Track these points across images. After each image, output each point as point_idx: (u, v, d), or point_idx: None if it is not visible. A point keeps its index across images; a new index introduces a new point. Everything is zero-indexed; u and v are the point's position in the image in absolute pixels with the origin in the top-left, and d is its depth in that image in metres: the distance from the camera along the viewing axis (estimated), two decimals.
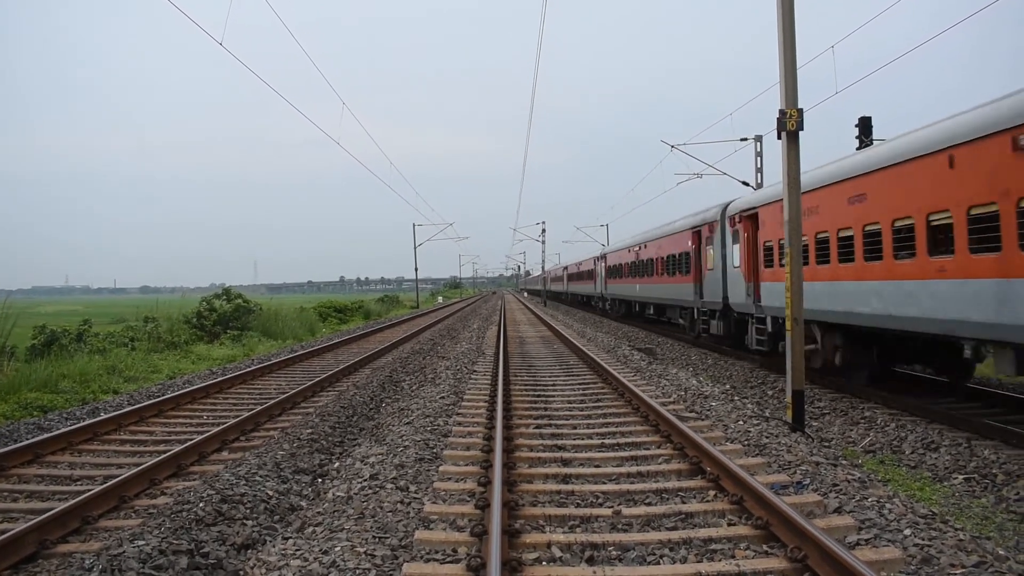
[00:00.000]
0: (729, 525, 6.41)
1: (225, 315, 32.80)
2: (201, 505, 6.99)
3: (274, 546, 6.27)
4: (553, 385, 14.73)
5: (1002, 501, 8.34)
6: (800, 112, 11.02)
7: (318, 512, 7.19)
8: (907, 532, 6.11)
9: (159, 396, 14.39)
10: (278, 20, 18.08)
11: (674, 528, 6.39)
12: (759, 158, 28.60)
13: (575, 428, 10.67)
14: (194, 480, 8.56)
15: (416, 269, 78.37)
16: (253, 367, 18.64)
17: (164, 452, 9.49)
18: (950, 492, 8.76)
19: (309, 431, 10.71)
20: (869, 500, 6.96)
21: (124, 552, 5.79)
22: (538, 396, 13.34)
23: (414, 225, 75.26)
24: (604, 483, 7.82)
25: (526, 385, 14.70)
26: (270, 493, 7.77)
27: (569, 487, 7.58)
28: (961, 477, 9.26)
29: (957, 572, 5.36)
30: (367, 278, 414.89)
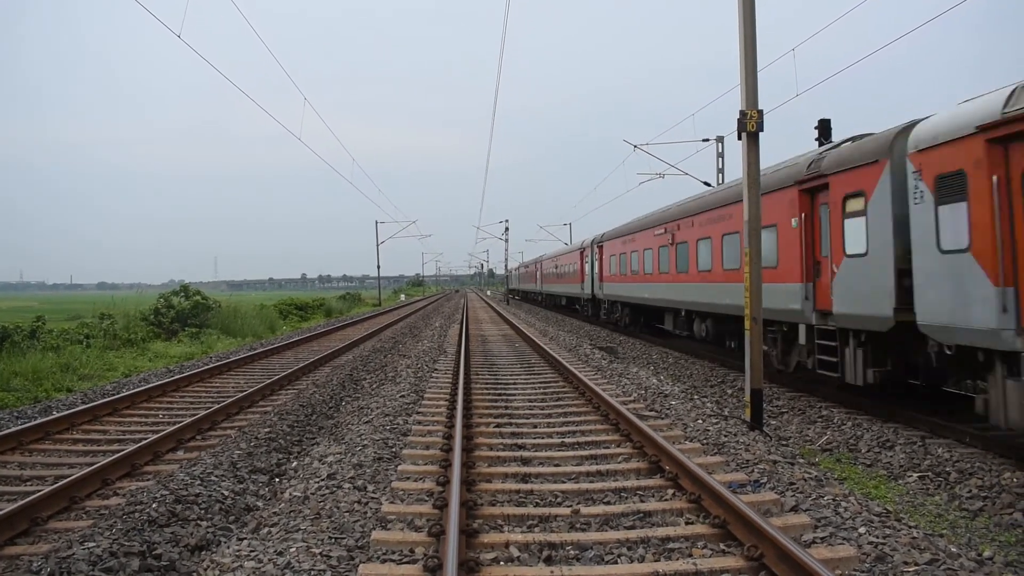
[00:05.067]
0: (687, 524, 6.43)
1: (183, 312, 32.35)
2: (154, 506, 6.86)
3: (228, 547, 6.16)
4: (514, 384, 14.70)
5: (955, 499, 8.48)
6: (760, 113, 11.11)
7: (274, 512, 7.09)
8: (862, 530, 6.17)
9: (114, 394, 14.12)
10: (239, 13, 17.82)
11: (632, 527, 6.39)
12: (720, 158, 28.86)
13: (535, 427, 10.66)
14: (148, 480, 8.40)
15: (378, 267, 77.97)
16: (211, 365, 18.38)
17: (118, 452, 9.31)
18: (905, 490, 8.88)
19: (267, 430, 10.58)
20: (825, 498, 7.03)
21: (74, 554, 5.67)
22: (499, 395, 13.31)
23: (376, 222, 74.86)
24: (563, 482, 7.81)
25: (487, 384, 14.66)
26: (225, 493, 7.65)
27: (528, 486, 7.55)
28: (915, 475, 9.39)
29: (910, 570, 5.42)
30: (329, 275, 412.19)
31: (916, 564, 5.50)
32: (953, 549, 6.00)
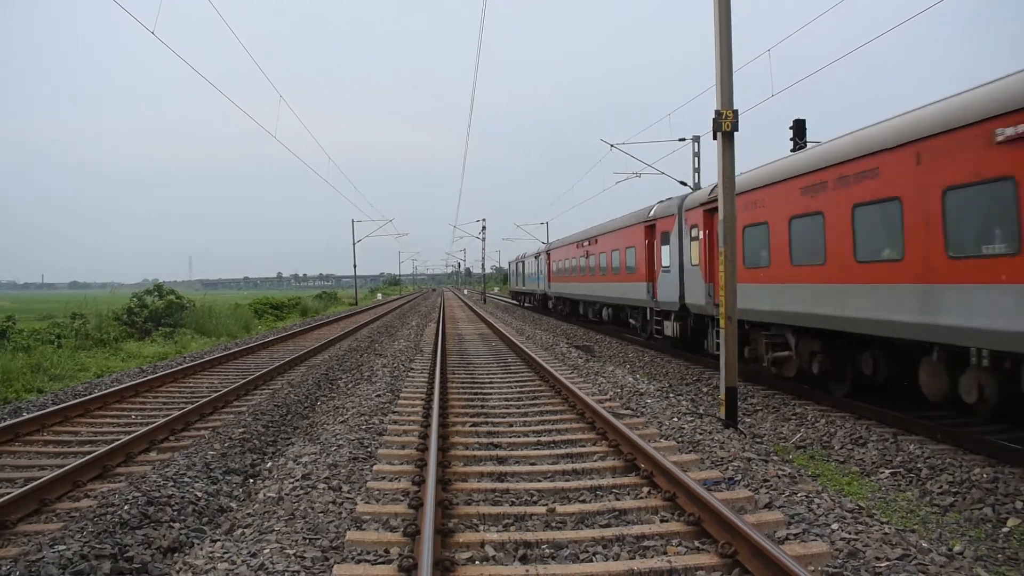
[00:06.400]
0: (662, 522, 6.45)
1: (157, 312, 32.09)
2: (126, 507, 6.79)
3: (201, 549, 6.12)
4: (491, 383, 14.70)
5: (926, 494, 8.58)
6: (735, 113, 11.17)
7: (248, 513, 7.04)
8: (835, 526, 6.22)
9: (86, 395, 13.95)
10: (212, 9, 17.66)
11: (607, 525, 6.40)
12: (696, 158, 28.98)
13: (512, 426, 10.66)
14: (120, 482, 8.30)
15: (355, 265, 77.55)
16: (185, 365, 18.22)
17: (89, 453, 9.21)
18: (877, 486, 8.97)
19: (241, 430, 10.50)
20: (799, 495, 7.09)
21: (43, 557, 5.59)
22: (475, 394, 13.30)
23: (353, 221, 74.44)
24: (539, 481, 7.82)
25: (463, 383, 14.65)
26: (199, 494, 7.59)
27: (504, 485, 7.56)
28: (888, 471, 9.49)
29: (882, 565, 5.47)
30: (305, 274, 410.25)
31: (888, 559, 5.55)
32: (924, 544, 6.07)
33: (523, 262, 61.02)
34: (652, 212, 23.19)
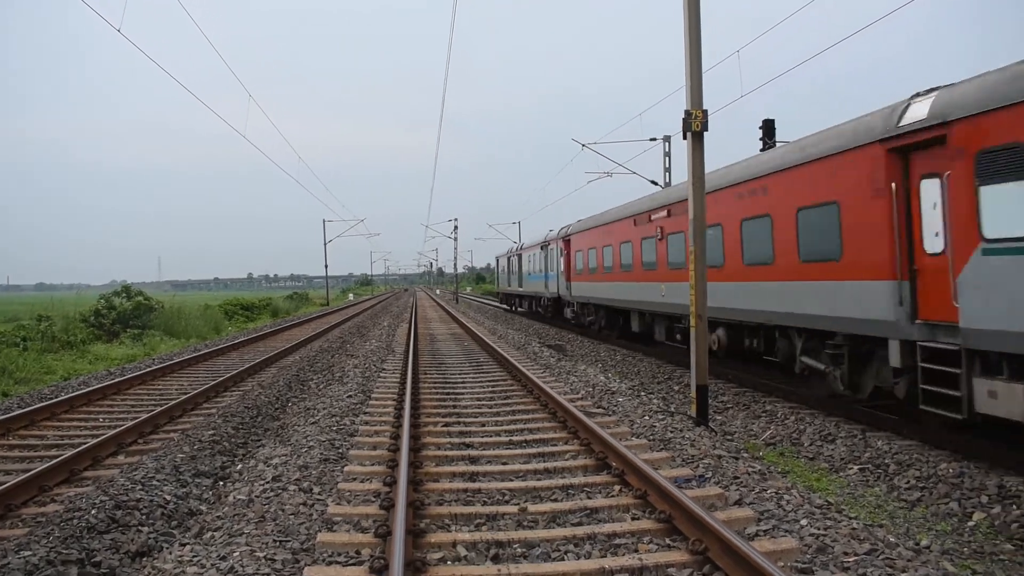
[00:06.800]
0: (633, 520, 6.48)
1: (125, 313, 31.71)
2: (94, 512, 6.70)
3: (170, 553, 6.06)
4: (463, 383, 14.68)
5: (894, 490, 8.69)
6: (705, 113, 11.24)
7: (218, 516, 6.98)
8: (804, 522, 6.28)
9: (52, 398, 13.78)
10: (180, 8, 17.47)
11: (579, 524, 6.42)
12: (667, 158, 29.13)
13: (484, 425, 10.66)
14: (87, 486, 8.19)
15: (326, 266, 77.24)
16: (154, 367, 18.02)
17: (55, 457, 9.07)
18: (845, 482, 9.07)
19: (211, 432, 10.41)
20: (768, 492, 7.15)
21: (8, 564, 5.52)
22: (447, 394, 13.28)
23: (324, 221, 74.20)
24: (511, 480, 7.82)
25: (435, 383, 14.62)
26: (168, 498, 7.51)
27: (476, 485, 7.55)
28: (856, 467, 9.60)
29: (850, 560, 5.53)
30: (276, 275, 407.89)
31: (856, 554, 5.62)
32: (891, 539, 6.15)
33: (518, 256, 45.40)
34: (906, 115, 9.97)
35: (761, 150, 18.68)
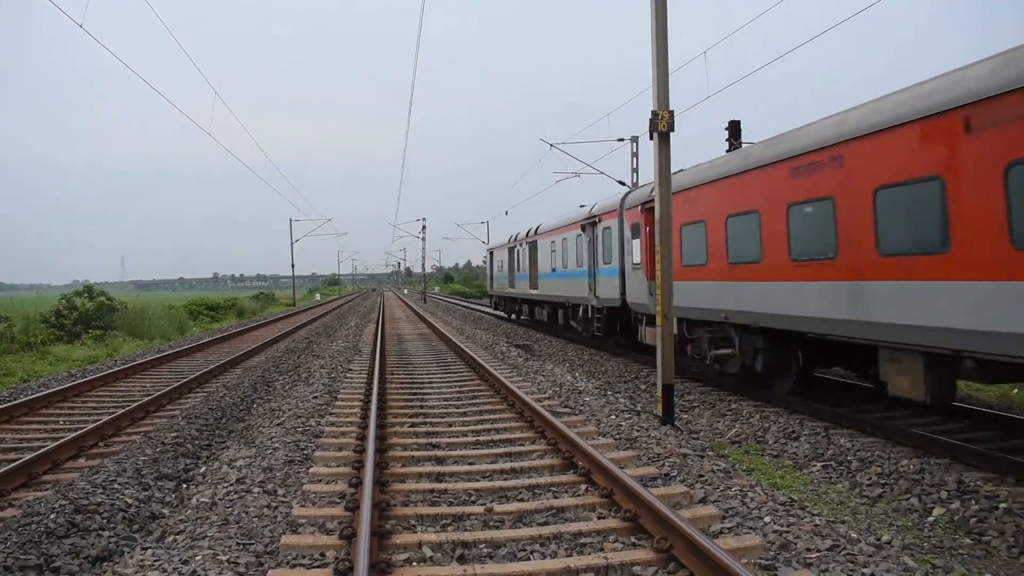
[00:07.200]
0: (599, 519, 6.49)
1: (87, 314, 31.21)
2: (53, 516, 6.59)
3: (132, 557, 5.97)
4: (430, 383, 14.64)
5: (856, 486, 8.79)
6: (671, 114, 11.30)
7: (180, 520, 6.90)
8: (767, 519, 6.34)
9: (11, 400, 13.51)
10: (147, 5, 17.25)
11: (545, 523, 6.41)
12: (635, 158, 29.27)
13: (451, 426, 10.63)
14: (47, 490, 8.04)
15: (292, 265, 76.66)
16: (116, 368, 17.76)
17: (14, 460, 8.90)
18: (809, 479, 9.16)
19: (174, 435, 10.28)
20: (733, 490, 7.20)
21: None
22: (415, 394, 13.23)
23: (291, 220, 73.70)
24: (478, 480, 7.80)
25: (403, 383, 14.57)
26: (129, 501, 7.40)
27: (442, 485, 7.53)
28: (819, 465, 9.70)
29: (812, 556, 5.59)
30: (242, 275, 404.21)
31: (818, 550, 5.68)
32: (853, 535, 6.22)
33: (529, 245, 32.68)
34: None
35: (727, 151, 18.79)
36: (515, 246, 35.79)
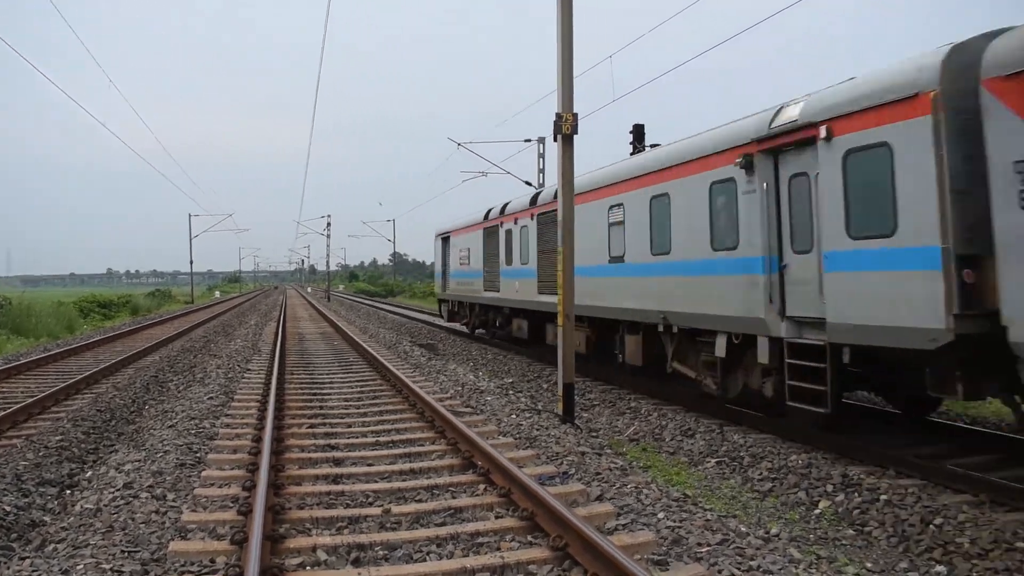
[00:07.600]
0: (497, 518, 6.50)
1: None
2: None
3: (8, 568, 5.67)
4: (331, 383, 14.42)
5: (748, 481, 9.08)
6: (575, 116, 11.42)
7: (62, 527, 6.59)
8: (661, 515, 6.47)
9: None
10: None
11: (443, 524, 6.38)
12: (541, 159, 29.52)
13: (350, 427, 10.49)
14: None
15: (191, 262, 74.53)
16: None
17: None
18: (703, 475, 9.41)
19: (59, 438, 9.85)
20: (628, 487, 7.32)
21: None
22: (314, 395, 13.00)
23: (190, 215, 71.74)
24: (376, 482, 7.71)
25: (302, 383, 14.30)
26: (7, 509, 7.04)
27: (340, 487, 7.41)
28: (713, 461, 9.97)
29: (703, 550, 5.73)
30: (138, 271, 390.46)
31: (709, 544, 5.83)
32: (743, 528, 6.42)
33: (535, 221, 19.62)
34: None
35: (631, 154, 19.07)
36: (502, 225, 22.76)
